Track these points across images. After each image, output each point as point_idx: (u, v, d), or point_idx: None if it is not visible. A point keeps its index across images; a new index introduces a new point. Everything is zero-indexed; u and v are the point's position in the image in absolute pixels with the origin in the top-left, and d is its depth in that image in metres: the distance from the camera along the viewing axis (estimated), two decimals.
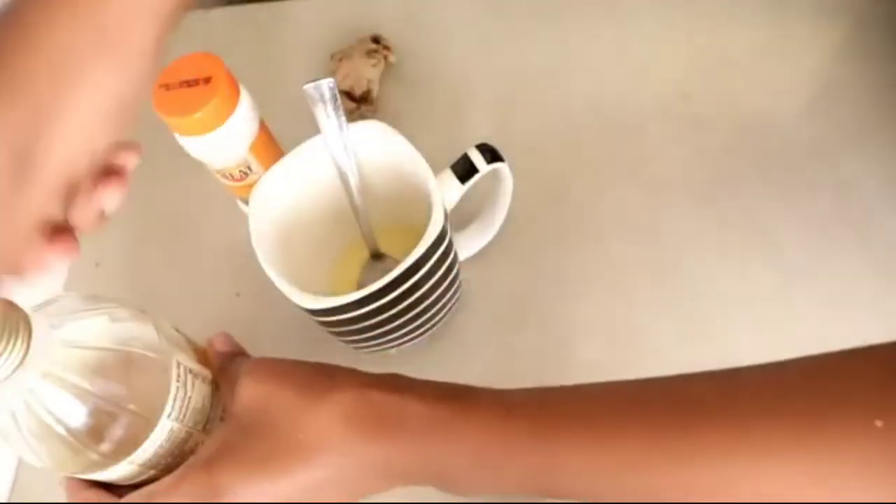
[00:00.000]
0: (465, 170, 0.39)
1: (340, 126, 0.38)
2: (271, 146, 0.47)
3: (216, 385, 0.38)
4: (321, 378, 0.32)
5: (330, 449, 0.28)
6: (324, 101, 0.36)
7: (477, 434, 0.27)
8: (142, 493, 0.31)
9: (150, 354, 0.35)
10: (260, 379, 0.32)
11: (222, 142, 0.43)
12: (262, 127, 0.45)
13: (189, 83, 0.41)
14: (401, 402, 0.29)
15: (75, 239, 0.32)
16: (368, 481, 0.29)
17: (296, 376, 0.32)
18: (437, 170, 0.39)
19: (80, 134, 0.28)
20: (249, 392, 0.31)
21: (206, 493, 0.29)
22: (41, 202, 0.28)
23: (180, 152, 0.45)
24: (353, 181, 0.40)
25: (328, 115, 0.37)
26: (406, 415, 0.29)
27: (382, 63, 0.56)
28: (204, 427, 0.39)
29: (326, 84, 0.36)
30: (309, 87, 0.36)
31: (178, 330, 0.40)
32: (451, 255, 0.40)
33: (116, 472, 0.35)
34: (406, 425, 0.28)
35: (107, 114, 0.28)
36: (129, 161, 0.35)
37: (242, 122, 0.43)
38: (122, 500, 0.32)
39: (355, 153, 0.40)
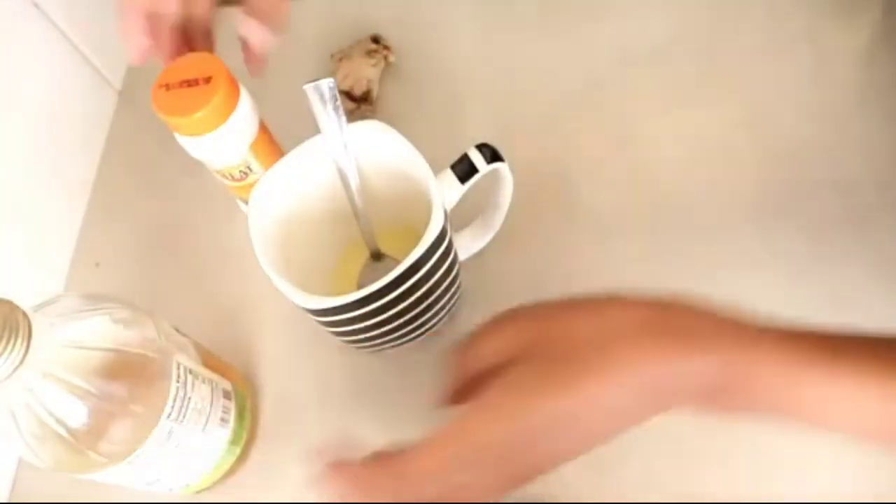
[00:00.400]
0: (465, 170, 0.39)
1: (340, 126, 0.38)
2: (271, 146, 0.47)
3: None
4: (599, 299, 0.30)
5: (622, 362, 0.27)
6: (324, 101, 0.36)
7: (772, 351, 0.27)
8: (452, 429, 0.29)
9: (150, 354, 0.35)
10: (532, 313, 0.31)
11: (222, 142, 0.43)
12: (262, 127, 0.45)
13: (189, 83, 0.41)
14: (694, 315, 0.28)
15: None
16: (647, 404, 0.28)
17: (570, 302, 0.31)
18: (437, 170, 0.39)
19: None
20: (519, 341, 0.30)
21: (501, 414, 0.28)
22: None
23: (181, 152, 0.45)
24: (353, 181, 0.40)
25: (328, 115, 0.37)
26: (699, 327, 0.28)
27: (382, 63, 0.56)
28: (204, 427, 0.39)
29: (326, 84, 0.36)
30: (309, 87, 0.36)
31: (178, 330, 0.40)
32: (451, 255, 0.40)
33: (116, 473, 0.35)
34: (701, 334, 0.28)
35: None
36: None
37: (242, 121, 0.43)
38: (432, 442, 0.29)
39: (355, 153, 0.40)
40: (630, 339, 0.28)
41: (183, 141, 0.43)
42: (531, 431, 0.27)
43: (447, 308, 0.43)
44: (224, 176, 0.46)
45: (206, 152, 0.44)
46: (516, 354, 0.29)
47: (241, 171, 0.46)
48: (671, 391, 0.27)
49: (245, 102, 0.43)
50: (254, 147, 0.45)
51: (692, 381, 0.27)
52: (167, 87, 0.42)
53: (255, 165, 0.46)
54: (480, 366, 0.31)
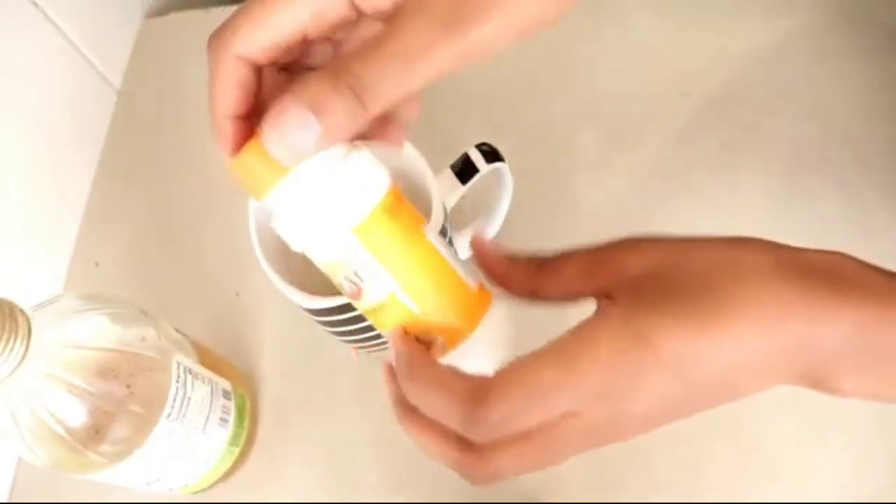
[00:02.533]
0: (465, 170, 0.39)
1: None
2: (416, 245, 0.26)
3: None
4: (725, 238, 0.27)
5: (755, 307, 0.23)
6: None
7: None
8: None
9: (150, 354, 0.35)
10: (654, 245, 0.28)
11: (299, 207, 0.25)
12: (394, 202, 0.26)
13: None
14: (832, 259, 0.24)
15: None
16: (769, 367, 0.23)
17: (694, 238, 0.27)
18: (437, 170, 0.39)
19: None
20: (649, 256, 0.27)
21: (634, 349, 0.23)
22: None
23: (180, 152, 0.45)
24: None
25: None
26: (842, 272, 0.23)
27: None
28: (204, 427, 0.39)
29: None
30: None
31: (178, 330, 0.40)
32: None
33: (116, 473, 0.35)
34: (843, 283, 0.23)
35: None
36: None
37: (344, 171, 0.25)
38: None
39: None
40: (766, 276, 0.23)
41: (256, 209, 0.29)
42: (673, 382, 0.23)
43: None
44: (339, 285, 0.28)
45: (288, 225, 0.26)
46: (611, 289, 0.25)
47: (347, 280, 0.27)
48: (807, 349, 0.23)
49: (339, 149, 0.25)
50: (368, 233, 0.25)
51: (835, 341, 0.22)
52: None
53: (373, 273, 0.26)
54: (554, 294, 0.27)
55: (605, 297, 0.26)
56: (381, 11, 0.24)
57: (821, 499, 0.38)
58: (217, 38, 0.24)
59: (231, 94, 0.25)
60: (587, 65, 0.55)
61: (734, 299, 0.23)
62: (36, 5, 0.52)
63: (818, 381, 0.24)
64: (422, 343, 0.27)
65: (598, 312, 0.25)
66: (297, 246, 0.26)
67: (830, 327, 0.22)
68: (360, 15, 0.25)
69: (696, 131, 0.50)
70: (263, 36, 0.24)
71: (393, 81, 0.23)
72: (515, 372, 0.24)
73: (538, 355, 0.24)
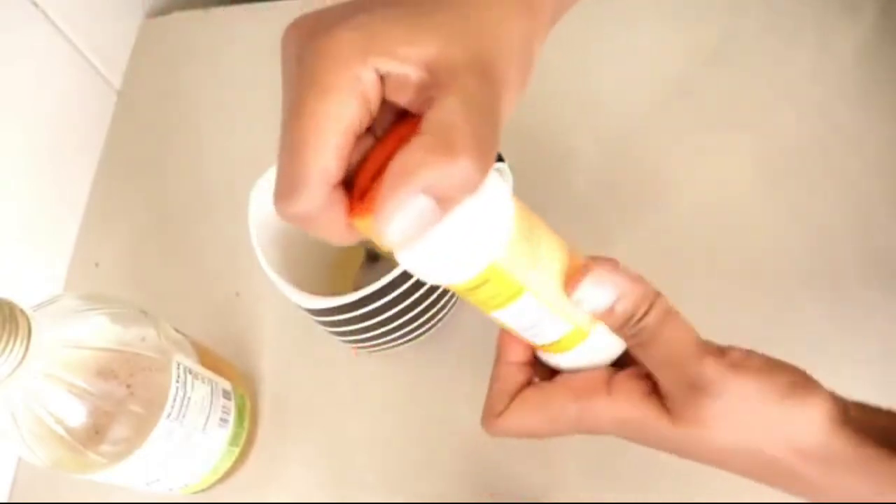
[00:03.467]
0: None
1: None
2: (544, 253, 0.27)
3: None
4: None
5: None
6: None
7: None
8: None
9: (150, 354, 0.35)
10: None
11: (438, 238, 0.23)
12: (526, 219, 0.26)
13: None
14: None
15: None
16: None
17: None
18: None
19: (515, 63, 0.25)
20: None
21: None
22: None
23: (180, 152, 0.45)
24: None
25: None
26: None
27: None
28: (204, 427, 0.39)
29: None
30: None
31: (178, 330, 0.40)
32: None
33: (116, 473, 0.35)
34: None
35: (522, 57, 0.25)
36: None
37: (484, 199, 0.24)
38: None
39: None
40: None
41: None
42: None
43: (446, 308, 0.43)
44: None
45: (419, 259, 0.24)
46: None
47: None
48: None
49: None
50: (504, 266, 0.25)
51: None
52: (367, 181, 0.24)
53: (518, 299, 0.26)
54: None
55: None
56: (411, 101, 0.23)
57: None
58: (334, 38, 0.22)
59: (348, 135, 0.22)
60: (587, 65, 0.55)
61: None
62: (36, 5, 0.52)
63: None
64: None
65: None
66: (434, 280, 0.26)
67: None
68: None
69: (695, 131, 0.50)
70: (337, 155, 0.22)
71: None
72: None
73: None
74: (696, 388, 0.26)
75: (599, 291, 0.27)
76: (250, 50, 0.59)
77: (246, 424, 0.43)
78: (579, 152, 0.51)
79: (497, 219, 0.25)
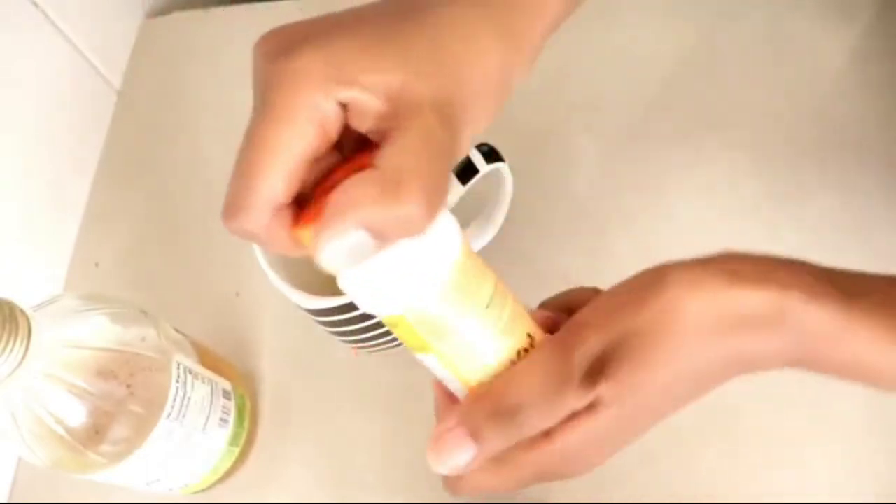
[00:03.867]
0: (465, 170, 0.39)
1: None
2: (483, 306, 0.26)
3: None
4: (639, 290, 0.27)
5: (684, 354, 0.25)
6: None
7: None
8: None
9: (150, 354, 0.35)
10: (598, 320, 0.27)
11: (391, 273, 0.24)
12: (471, 259, 0.26)
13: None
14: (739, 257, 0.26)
15: None
16: (712, 372, 0.26)
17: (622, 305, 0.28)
18: None
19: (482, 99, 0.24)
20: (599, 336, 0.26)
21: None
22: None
23: (180, 152, 0.45)
24: None
25: None
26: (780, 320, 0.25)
27: None
28: (204, 427, 0.39)
29: None
30: None
31: (177, 330, 0.40)
32: None
33: (116, 473, 0.35)
34: (780, 331, 0.25)
35: (492, 91, 0.25)
36: None
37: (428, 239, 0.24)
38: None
39: None
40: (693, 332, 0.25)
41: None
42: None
43: None
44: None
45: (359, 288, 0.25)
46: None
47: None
48: (742, 364, 0.26)
49: None
50: (411, 321, 0.25)
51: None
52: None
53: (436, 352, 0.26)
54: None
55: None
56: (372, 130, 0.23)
57: (819, 498, 0.38)
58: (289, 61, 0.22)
59: (301, 155, 0.23)
60: (587, 65, 0.55)
61: (667, 352, 0.25)
62: (36, 5, 0.52)
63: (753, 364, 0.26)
64: None
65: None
66: (358, 304, 0.26)
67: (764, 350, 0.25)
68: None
69: (696, 131, 0.50)
70: (287, 180, 0.23)
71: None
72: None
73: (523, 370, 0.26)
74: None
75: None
76: (250, 50, 0.59)
77: (246, 424, 0.43)
78: (579, 152, 0.51)
79: (425, 272, 0.24)
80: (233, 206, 0.23)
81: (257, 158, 0.22)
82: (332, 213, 0.22)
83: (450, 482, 0.28)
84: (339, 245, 0.22)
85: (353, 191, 0.22)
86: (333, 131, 0.23)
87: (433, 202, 0.22)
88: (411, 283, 0.24)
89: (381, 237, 0.22)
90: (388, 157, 0.22)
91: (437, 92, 0.23)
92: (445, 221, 0.25)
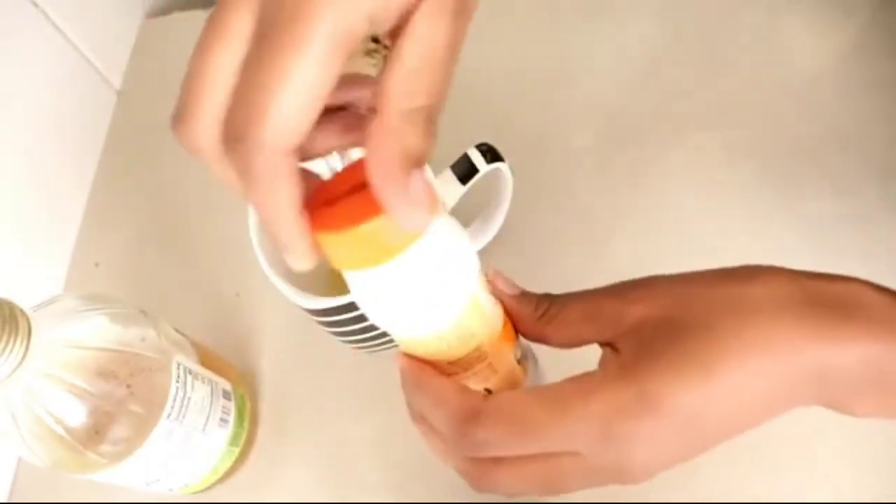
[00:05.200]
0: (465, 170, 0.39)
1: None
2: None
3: None
4: (734, 271, 0.26)
5: (763, 346, 0.23)
6: None
7: None
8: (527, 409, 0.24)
9: (150, 354, 0.35)
10: (656, 289, 0.26)
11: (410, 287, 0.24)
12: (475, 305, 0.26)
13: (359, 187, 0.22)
14: (848, 288, 0.24)
15: None
16: (784, 395, 0.23)
17: (700, 276, 0.26)
18: (437, 170, 0.39)
19: None
20: (651, 303, 0.25)
21: (634, 406, 0.23)
22: None
23: (181, 152, 0.44)
24: None
25: None
26: (858, 302, 0.23)
27: (382, 63, 0.56)
28: (204, 427, 0.39)
29: None
30: None
31: (177, 330, 0.40)
32: None
33: (116, 473, 0.35)
34: (857, 314, 0.23)
35: None
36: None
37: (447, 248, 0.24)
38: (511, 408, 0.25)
39: (351, 154, 0.39)
40: (777, 311, 0.23)
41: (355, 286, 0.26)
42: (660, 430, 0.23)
43: None
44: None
45: (384, 310, 0.26)
46: (614, 338, 0.25)
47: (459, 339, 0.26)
48: (819, 381, 0.23)
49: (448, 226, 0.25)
50: (472, 310, 0.25)
51: (847, 371, 0.23)
52: (330, 200, 0.23)
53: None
54: (563, 341, 0.27)
55: (608, 345, 0.26)
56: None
57: (820, 499, 0.38)
58: (244, 138, 0.19)
59: (296, 192, 0.21)
60: (587, 65, 0.55)
61: (740, 339, 0.23)
62: (36, 5, 0.52)
63: (831, 405, 0.24)
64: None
65: (600, 363, 0.26)
66: (398, 327, 0.26)
67: (840, 359, 0.23)
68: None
69: (695, 131, 0.50)
70: (304, 115, 0.20)
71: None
72: (507, 402, 0.25)
73: (535, 394, 0.25)
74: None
75: None
76: None
77: (246, 424, 0.43)
78: (579, 152, 0.51)
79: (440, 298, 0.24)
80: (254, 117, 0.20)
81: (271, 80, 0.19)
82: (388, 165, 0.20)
83: (474, 477, 0.26)
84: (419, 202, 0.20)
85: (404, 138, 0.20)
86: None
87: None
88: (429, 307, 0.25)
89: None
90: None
91: None
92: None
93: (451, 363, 0.27)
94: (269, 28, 0.20)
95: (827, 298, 0.23)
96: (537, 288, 0.39)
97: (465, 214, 0.45)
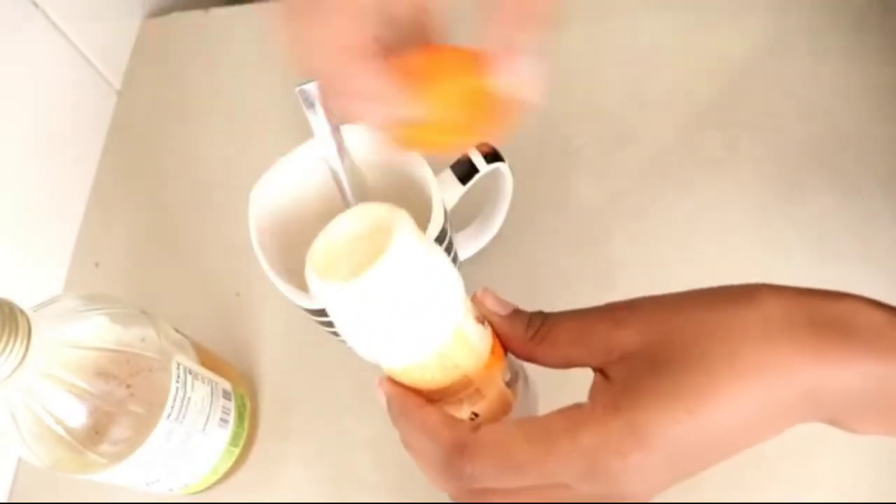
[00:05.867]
0: (465, 170, 0.39)
1: (333, 127, 0.38)
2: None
3: None
4: (728, 292, 0.25)
5: (755, 370, 0.22)
6: (310, 104, 0.36)
7: None
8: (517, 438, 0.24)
9: (150, 354, 0.35)
10: (648, 313, 0.26)
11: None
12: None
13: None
14: (847, 306, 0.23)
15: None
16: (778, 419, 0.23)
17: (693, 298, 0.26)
18: (437, 170, 0.39)
19: None
20: (642, 328, 0.25)
21: (622, 441, 0.23)
22: None
23: (181, 152, 0.45)
24: (345, 182, 0.40)
25: (317, 117, 0.37)
26: (857, 321, 0.23)
27: None
28: (204, 427, 0.39)
29: (312, 87, 0.36)
30: (300, 88, 0.36)
31: (177, 330, 0.40)
32: (451, 255, 0.40)
33: (116, 473, 0.35)
34: (856, 334, 0.23)
35: None
36: None
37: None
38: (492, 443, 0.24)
39: (352, 154, 0.39)
40: (773, 334, 0.23)
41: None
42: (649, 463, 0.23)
43: None
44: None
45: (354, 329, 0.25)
46: (604, 364, 0.25)
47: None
48: (815, 403, 0.23)
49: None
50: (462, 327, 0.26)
51: (845, 392, 0.23)
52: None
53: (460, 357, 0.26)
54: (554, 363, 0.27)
55: (599, 371, 0.26)
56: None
57: (820, 499, 0.38)
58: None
59: None
60: (587, 65, 0.55)
61: (733, 367, 0.23)
62: (36, 5, 0.52)
63: (831, 423, 0.25)
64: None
65: (590, 392, 0.26)
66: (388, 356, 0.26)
67: (839, 379, 0.23)
68: None
69: (696, 131, 0.50)
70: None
71: None
72: (493, 437, 0.25)
73: (523, 427, 0.24)
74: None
75: None
76: (250, 50, 0.59)
77: (246, 424, 0.43)
78: (579, 152, 0.51)
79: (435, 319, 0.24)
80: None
81: None
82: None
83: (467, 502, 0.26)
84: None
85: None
86: None
87: None
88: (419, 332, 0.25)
89: None
90: None
91: None
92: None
93: (434, 391, 0.26)
94: None
95: (825, 318, 0.23)
96: (536, 287, 0.39)
97: (465, 214, 0.45)
